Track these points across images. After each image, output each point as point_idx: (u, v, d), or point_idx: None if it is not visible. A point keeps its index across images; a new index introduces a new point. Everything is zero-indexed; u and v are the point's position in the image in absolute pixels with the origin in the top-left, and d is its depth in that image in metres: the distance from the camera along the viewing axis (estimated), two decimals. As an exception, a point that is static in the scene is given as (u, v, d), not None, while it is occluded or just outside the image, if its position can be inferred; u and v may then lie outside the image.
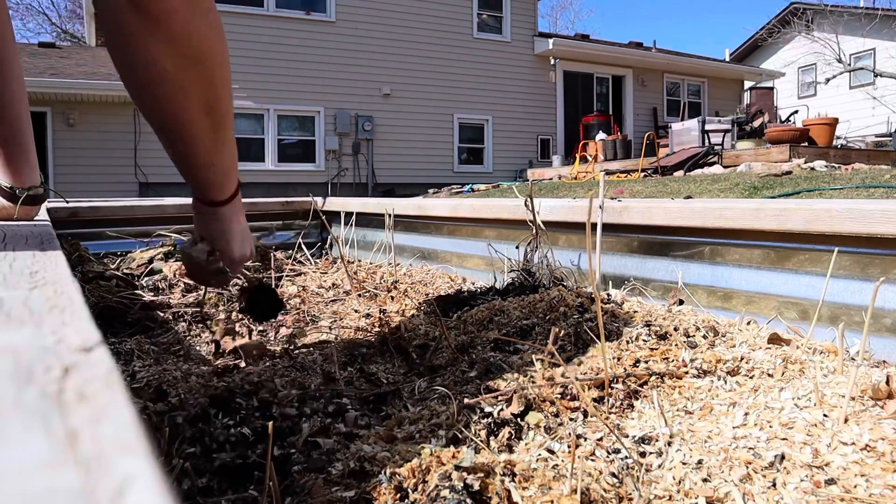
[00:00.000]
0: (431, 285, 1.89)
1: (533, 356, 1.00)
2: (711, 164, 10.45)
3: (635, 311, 1.23)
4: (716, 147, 10.88)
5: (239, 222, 1.02)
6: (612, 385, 0.90)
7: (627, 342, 1.04)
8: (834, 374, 0.88)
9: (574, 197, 2.72)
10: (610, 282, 1.53)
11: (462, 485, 0.62)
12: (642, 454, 0.74)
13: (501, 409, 0.84)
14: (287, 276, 2.10)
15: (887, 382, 0.81)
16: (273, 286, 1.69)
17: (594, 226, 1.44)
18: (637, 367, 0.95)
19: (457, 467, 0.64)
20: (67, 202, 2.38)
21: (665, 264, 1.44)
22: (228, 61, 0.80)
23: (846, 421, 0.74)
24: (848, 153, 10.37)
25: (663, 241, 1.45)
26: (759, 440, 0.74)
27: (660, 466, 0.71)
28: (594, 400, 0.88)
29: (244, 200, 3.14)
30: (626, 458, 0.72)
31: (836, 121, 11.71)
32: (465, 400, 0.87)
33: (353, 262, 2.34)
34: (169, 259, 2.01)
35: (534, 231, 1.62)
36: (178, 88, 0.73)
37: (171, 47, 0.69)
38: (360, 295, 1.79)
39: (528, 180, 12.33)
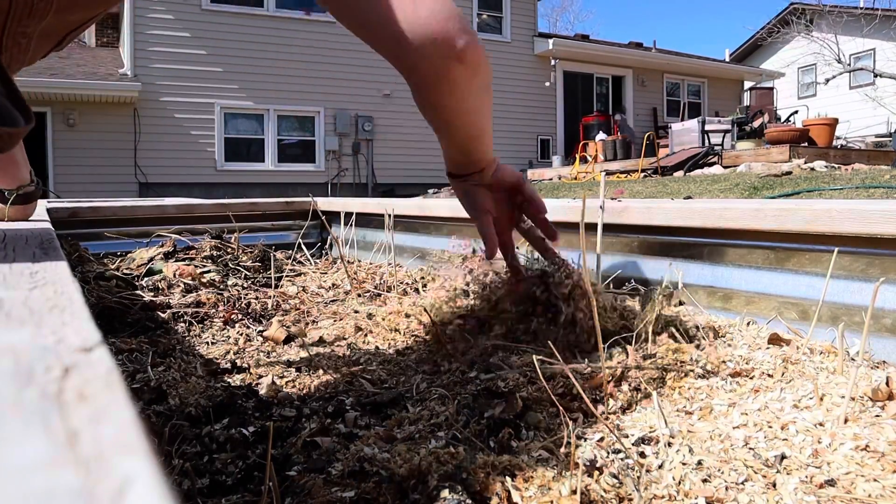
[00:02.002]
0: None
1: (533, 356, 1.00)
2: (711, 165, 10.45)
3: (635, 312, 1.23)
4: (716, 147, 10.88)
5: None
6: (612, 385, 0.90)
7: (627, 342, 1.04)
8: (834, 375, 0.88)
9: (574, 197, 2.72)
10: (610, 282, 1.53)
11: (462, 485, 0.62)
12: (642, 454, 0.74)
13: (501, 409, 0.84)
14: (287, 276, 2.10)
15: (887, 383, 0.81)
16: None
17: (592, 225, 1.43)
18: (637, 366, 0.94)
19: (457, 467, 0.64)
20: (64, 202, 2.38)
21: (665, 264, 1.44)
22: None
23: (846, 421, 0.74)
24: (848, 153, 10.37)
25: (663, 242, 1.45)
26: (759, 440, 0.74)
27: (660, 467, 0.71)
28: (594, 400, 0.88)
29: (244, 200, 3.10)
30: (626, 458, 0.72)
31: (835, 121, 11.72)
32: (465, 400, 0.87)
33: (353, 263, 2.34)
34: (169, 259, 2.00)
35: (534, 231, 1.61)
36: (480, 104, 1.06)
37: (482, 81, 1.01)
38: (359, 295, 1.79)
39: (527, 180, 12.31)
